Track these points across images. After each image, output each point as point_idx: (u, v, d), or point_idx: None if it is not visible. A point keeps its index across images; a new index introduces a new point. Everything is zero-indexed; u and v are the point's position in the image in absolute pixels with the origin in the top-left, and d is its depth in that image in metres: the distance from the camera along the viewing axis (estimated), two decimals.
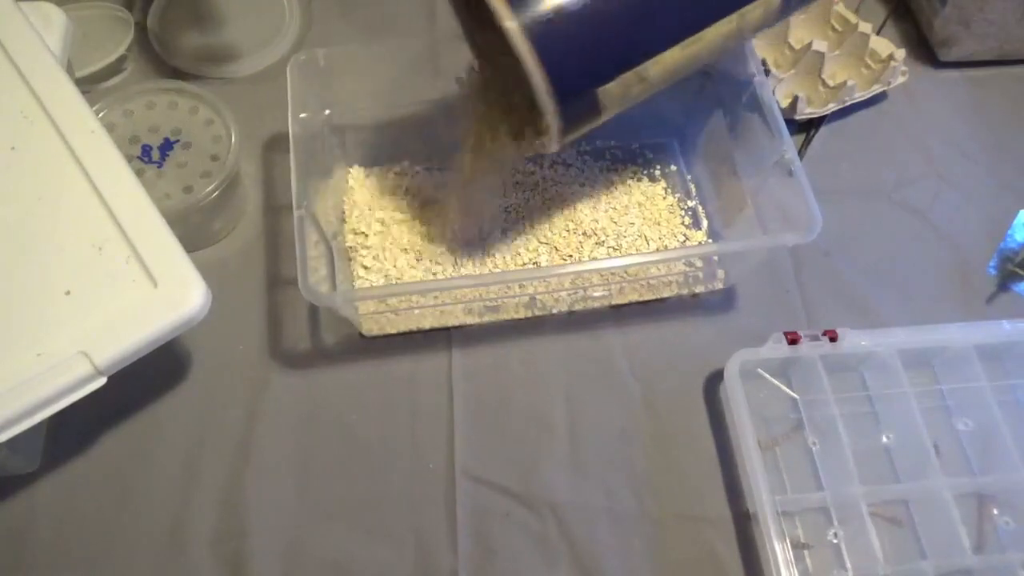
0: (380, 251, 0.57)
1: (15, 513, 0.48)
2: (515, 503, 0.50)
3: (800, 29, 0.68)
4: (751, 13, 0.44)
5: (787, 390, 0.54)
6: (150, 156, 0.54)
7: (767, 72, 0.63)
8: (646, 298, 0.57)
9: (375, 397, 0.53)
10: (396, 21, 0.69)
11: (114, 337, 0.39)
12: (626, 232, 0.58)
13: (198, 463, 0.50)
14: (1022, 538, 0.50)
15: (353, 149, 0.60)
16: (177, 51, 0.66)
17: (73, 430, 0.51)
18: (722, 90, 0.57)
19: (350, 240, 0.57)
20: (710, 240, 0.59)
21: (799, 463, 0.52)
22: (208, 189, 0.53)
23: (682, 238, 0.59)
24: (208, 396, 0.52)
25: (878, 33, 0.69)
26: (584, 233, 0.58)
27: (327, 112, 0.56)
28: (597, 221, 0.59)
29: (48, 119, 0.44)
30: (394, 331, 0.55)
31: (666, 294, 0.57)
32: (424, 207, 0.59)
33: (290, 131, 0.50)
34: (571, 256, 0.57)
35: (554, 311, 0.56)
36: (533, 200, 0.60)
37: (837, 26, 0.68)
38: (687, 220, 0.60)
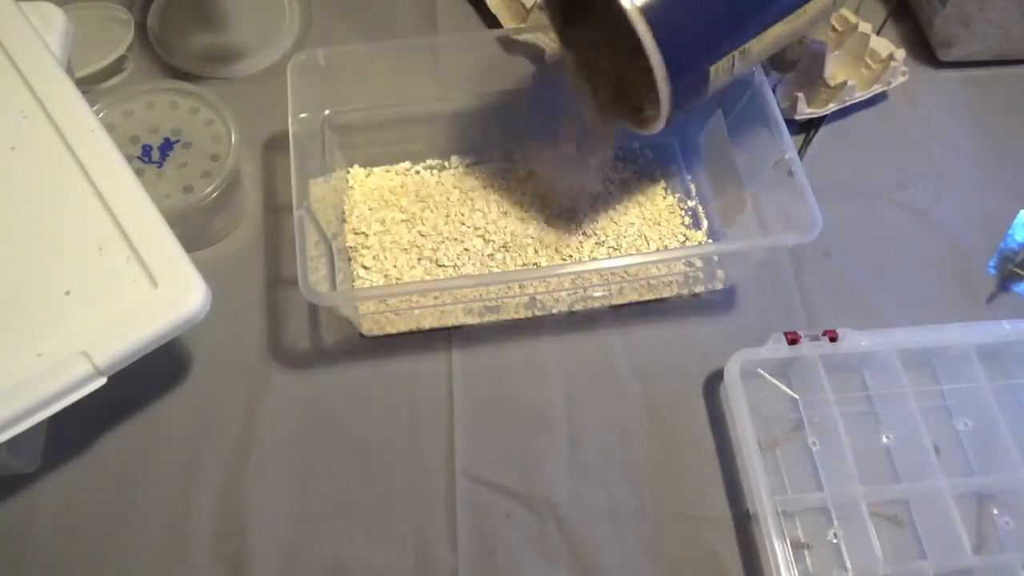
0: (380, 251, 0.57)
1: (15, 513, 0.48)
2: (515, 503, 0.50)
3: None
4: None
5: (787, 390, 0.54)
6: (150, 156, 0.54)
7: (767, 72, 0.63)
8: (646, 298, 0.57)
9: (375, 397, 0.53)
10: (396, 21, 0.69)
11: (114, 337, 0.39)
12: (626, 232, 0.58)
13: (198, 463, 0.50)
14: (1022, 538, 0.50)
15: (353, 149, 0.60)
16: (177, 51, 0.66)
17: (73, 430, 0.51)
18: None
19: (350, 240, 0.57)
20: (710, 240, 0.59)
21: (799, 463, 0.52)
22: (208, 189, 0.53)
23: (682, 238, 0.59)
24: (208, 396, 0.52)
25: (878, 33, 0.69)
26: (584, 233, 0.58)
27: (327, 112, 0.57)
28: (597, 221, 0.59)
29: (48, 119, 0.44)
30: (394, 331, 0.55)
31: (666, 294, 0.57)
32: (424, 207, 0.59)
33: (290, 131, 0.50)
34: (571, 256, 0.57)
35: (554, 311, 0.56)
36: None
37: (837, 26, 0.68)
38: (687, 220, 0.60)
